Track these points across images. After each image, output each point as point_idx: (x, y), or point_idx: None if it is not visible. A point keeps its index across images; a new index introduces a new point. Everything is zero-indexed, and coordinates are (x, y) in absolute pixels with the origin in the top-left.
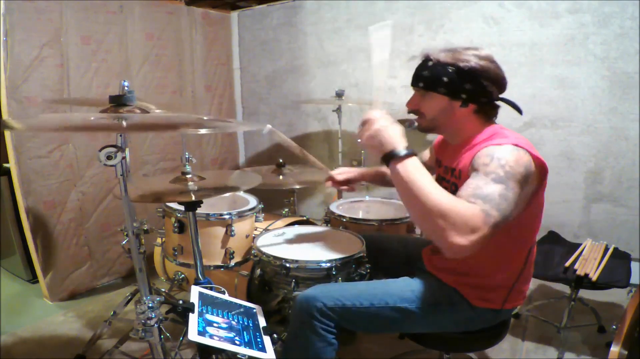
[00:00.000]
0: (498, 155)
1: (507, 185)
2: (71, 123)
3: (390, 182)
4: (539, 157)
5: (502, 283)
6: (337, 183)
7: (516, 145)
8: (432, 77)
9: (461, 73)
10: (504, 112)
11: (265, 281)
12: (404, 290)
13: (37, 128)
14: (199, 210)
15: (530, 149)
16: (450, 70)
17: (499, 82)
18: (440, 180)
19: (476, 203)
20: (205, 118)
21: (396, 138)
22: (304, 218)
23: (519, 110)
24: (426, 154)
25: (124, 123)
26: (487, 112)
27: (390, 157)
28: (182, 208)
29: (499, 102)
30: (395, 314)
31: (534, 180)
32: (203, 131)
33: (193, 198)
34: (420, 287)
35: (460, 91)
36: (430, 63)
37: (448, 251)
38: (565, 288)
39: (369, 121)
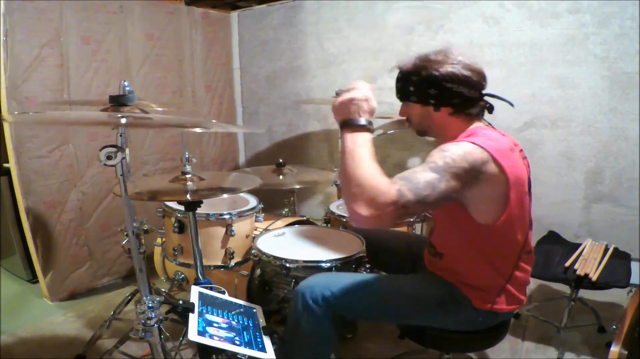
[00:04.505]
0: (446, 148)
1: (441, 176)
2: (68, 118)
3: None
4: (501, 162)
5: (494, 282)
6: None
7: (473, 143)
8: (402, 88)
9: (423, 81)
10: (505, 112)
11: (265, 281)
12: (409, 286)
13: (34, 121)
14: (199, 210)
15: (494, 152)
16: (414, 79)
17: (468, 82)
18: None
19: (397, 183)
20: (214, 120)
21: (361, 110)
22: (304, 218)
23: (509, 102)
24: None
25: (123, 120)
26: (467, 111)
27: (345, 124)
28: (182, 208)
29: (487, 98)
30: (397, 309)
31: (493, 182)
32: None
33: (189, 198)
34: (425, 285)
35: (427, 97)
36: (400, 75)
37: (351, 218)
38: (565, 288)
39: (351, 88)
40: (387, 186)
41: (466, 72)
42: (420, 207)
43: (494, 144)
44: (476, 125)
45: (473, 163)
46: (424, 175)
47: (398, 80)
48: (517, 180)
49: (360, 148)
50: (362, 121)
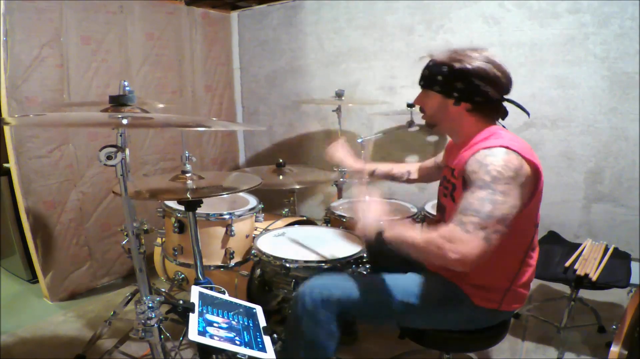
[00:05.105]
0: (486, 161)
1: (492, 189)
2: (69, 120)
3: (396, 178)
4: (533, 160)
5: (499, 283)
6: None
7: (507, 148)
8: (429, 75)
9: (453, 72)
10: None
11: (265, 281)
12: (409, 284)
13: (34, 123)
14: (199, 210)
15: (524, 152)
16: (444, 70)
17: (496, 83)
18: (443, 182)
19: (454, 219)
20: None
21: (374, 223)
22: (304, 218)
23: (526, 111)
24: (440, 156)
25: (125, 121)
26: (485, 112)
27: (381, 235)
28: (182, 208)
29: (505, 103)
30: (399, 307)
31: (527, 183)
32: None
33: (189, 197)
34: (425, 283)
35: (452, 89)
36: (430, 62)
37: (457, 268)
38: (565, 288)
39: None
40: (446, 229)
41: (497, 73)
42: (496, 224)
43: (521, 145)
44: (493, 126)
45: (516, 169)
46: (476, 195)
47: (427, 67)
48: (540, 178)
49: (402, 234)
50: (385, 230)
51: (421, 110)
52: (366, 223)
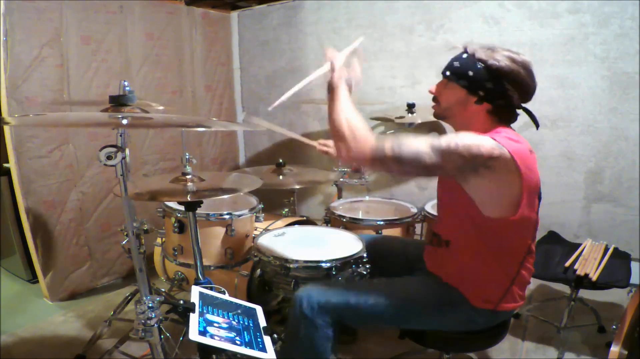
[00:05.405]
0: (461, 135)
1: (434, 154)
2: (69, 120)
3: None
4: (519, 164)
5: (499, 282)
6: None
7: (494, 140)
8: (460, 68)
9: (487, 71)
10: None
11: (265, 281)
12: (406, 287)
13: (34, 123)
14: (198, 210)
15: (513, 151)
16: (478, 66)
17: (524, 90)
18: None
19: (386, 140)
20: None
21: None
22: (304, 218)
23: (536, 123)
24: None
25: (125, 121)
26: (501, 116)
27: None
28: (182, 208)
29: (519, 110)
30: (396, 311)
31: (506, 180)
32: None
33: (189, 199)
34: (422, 286)
35: (479, 88)
36: (464, 55)
37: (339, 155)
38: (565, 288)
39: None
40: (368, 136)
41: (530, 82)
42: (398, 167)
43: (515, 145)
44: (501, 127)
45: (476, 154)
46: (419, 145)
47: (459, 59)
48: (531, 181)
49: (340, 106)
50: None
51: (434, 99)
52: (337, 72)
